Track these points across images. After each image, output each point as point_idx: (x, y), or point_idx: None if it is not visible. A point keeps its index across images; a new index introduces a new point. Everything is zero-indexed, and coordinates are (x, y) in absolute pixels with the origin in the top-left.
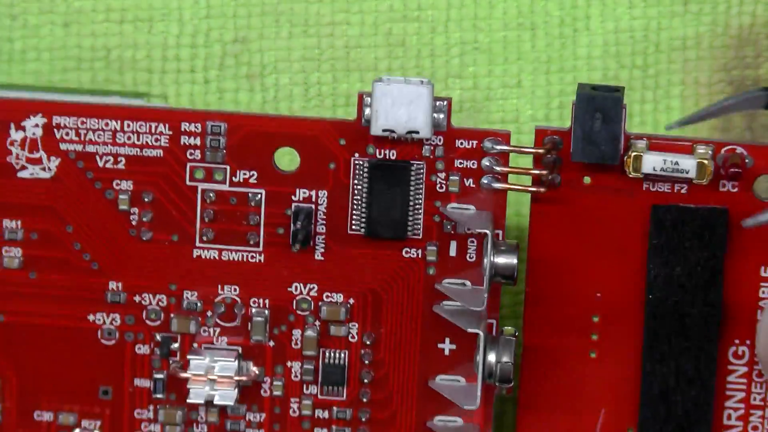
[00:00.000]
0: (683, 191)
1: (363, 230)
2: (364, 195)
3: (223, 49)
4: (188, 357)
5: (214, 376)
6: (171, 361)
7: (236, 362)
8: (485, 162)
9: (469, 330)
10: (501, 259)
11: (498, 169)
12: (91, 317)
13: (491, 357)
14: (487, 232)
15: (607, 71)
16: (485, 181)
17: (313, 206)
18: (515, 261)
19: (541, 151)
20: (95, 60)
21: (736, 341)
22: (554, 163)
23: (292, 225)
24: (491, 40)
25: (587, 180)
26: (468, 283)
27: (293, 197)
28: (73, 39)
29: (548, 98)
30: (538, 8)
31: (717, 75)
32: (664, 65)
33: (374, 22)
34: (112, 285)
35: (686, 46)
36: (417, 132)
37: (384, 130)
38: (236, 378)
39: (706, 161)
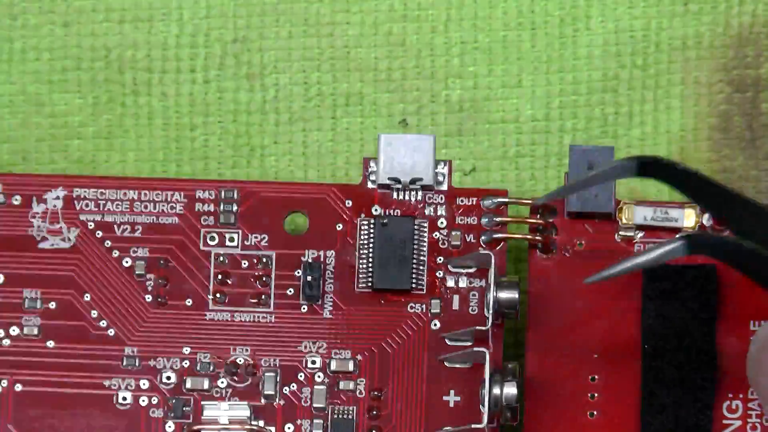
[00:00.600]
0: None
1: (369, 284)
2: (371, 250)
3: (223, 49)
4: (202, 403)
5: (226, 421)
6: (184, 424)
7: (249, 410)
8: (484, 220)
9: (476, 349)
10: (503, 294)
11: (498, 219)
12: (107, 383)
13: (496, 387)
14: (491, 253)
15: (607, 71)
16: (485, 238)
17: (322, 265)
18: (516, 295)
19: (537, 202)
20: (95, 60)
21: (730, 395)
22: (548, 226)
23: (302, 278)
24: (491, 39)
25: (581, 245)
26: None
27: (302, 258)
28: (73, 39)
29: (548, 98)
30: (538, 8)
31: (717, 75)
32: (664, 65)
33: (374, 22)
34: (128, 350)
35: (686, 46)
36: (421, 179)
37: (389, 179)
38: (247, 427)
39: (694, 210)
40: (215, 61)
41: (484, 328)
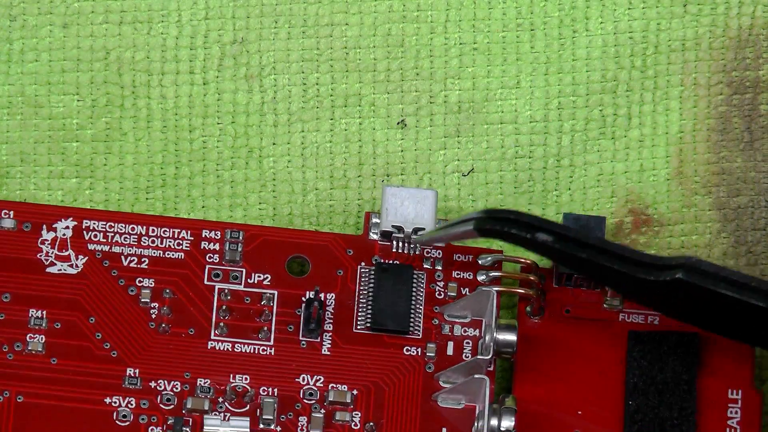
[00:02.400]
0: (656, 322)
1: (368, 324)
2: (370, 293)
3: (221, 51)
4: (204, 416)
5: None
6: None
7: (248, 424)
8: (481, 276)
9: (476, 377)
10: (501, 336)
11: (492, 274)
12: (107, 400)
13: (494, 420)
14: (492, 290)
15: (605, 72)
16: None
17: (322, 304)
18: (514, 337)
19: (528, 262)
20: (94, 61)
21: None
22: (540, 285)
23: (302, 314)
24: (490, 40)
25: (568, 311)
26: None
27: (303, 298)
28: (72, 40)
29: (547, 99)
30: (537, 9)
31: (716, 76)
32: (663, 66)
33: (373, 23)
34: (130, 371)
35: (685, 48)
36: (423, 229)
37: (393, 226)
38: None
39: None
40: (214, 63)
41: (486, 357)
